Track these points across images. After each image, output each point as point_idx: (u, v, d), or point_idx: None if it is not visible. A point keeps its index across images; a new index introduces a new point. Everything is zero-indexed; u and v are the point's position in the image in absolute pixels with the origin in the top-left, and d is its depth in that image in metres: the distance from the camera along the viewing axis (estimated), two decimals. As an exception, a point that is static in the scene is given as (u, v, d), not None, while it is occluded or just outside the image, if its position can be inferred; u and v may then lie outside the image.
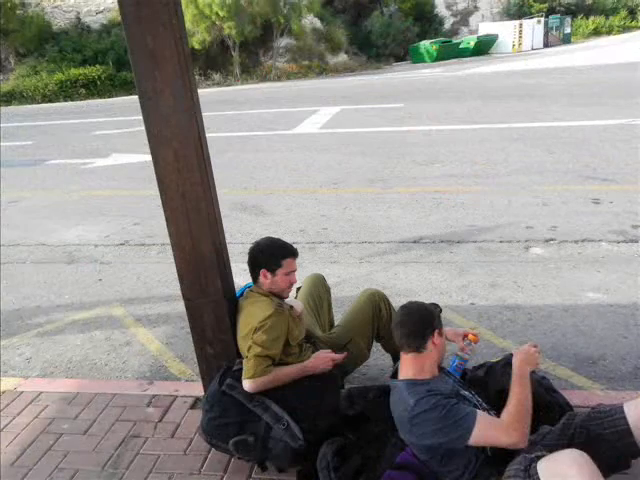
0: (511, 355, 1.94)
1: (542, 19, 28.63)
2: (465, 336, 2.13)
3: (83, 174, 7.86)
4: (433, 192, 5.68)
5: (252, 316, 2.13)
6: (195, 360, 2.43)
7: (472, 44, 27.07)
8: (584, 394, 2.42)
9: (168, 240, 2.18)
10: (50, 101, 19.71)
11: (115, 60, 21.14)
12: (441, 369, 1.92)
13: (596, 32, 32.22)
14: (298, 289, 2.64)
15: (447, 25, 32.48)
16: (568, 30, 30.86)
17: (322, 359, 2.18)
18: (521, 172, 6.13)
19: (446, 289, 3.61)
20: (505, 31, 27.97)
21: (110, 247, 4.88)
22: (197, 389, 2.58)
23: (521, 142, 7.55)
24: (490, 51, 28.11)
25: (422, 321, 1.82)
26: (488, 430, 1.67)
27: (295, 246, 2.28)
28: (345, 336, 2.41)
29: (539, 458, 1.52)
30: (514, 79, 15.28)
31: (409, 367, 1.83)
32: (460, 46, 27.31)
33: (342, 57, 25.38)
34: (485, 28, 29.12)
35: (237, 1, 19.88)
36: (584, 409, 1.87)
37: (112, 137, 10.80)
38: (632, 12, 33.18)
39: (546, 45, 28.76)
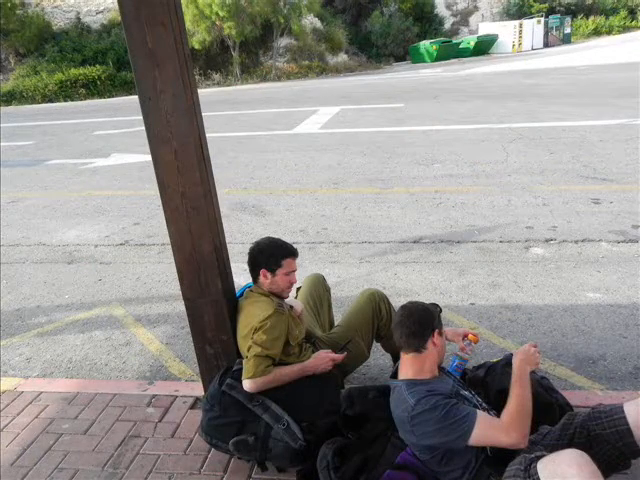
0: (511, 355, 1.94)
1: (542, 19, 28.63)
2: (465, 336, 2.13)
3: (83, 174, 7.86)
4: (433, 192, 5.68)
5: (252, 316, 2.13)
6: (195, 360, 2.43)
7: (472, 44, 27.04)
8: (584, 394, 2.43)
9: (168, 240, 2.18)
10: (50, 101, 19.73)
11: (115, 60, 21.18)
12: (441, 369, 1.92)
13: (596, 32, 32.20)
14: (298, 289, 2.64)
15: (447, 25, 32.47)
16: (568, 30, 30.85)
17: (322, 359, 2.18)
18: (521, 172, 6.13)
19: (446, 289, 3.61)
20: (505, 31, 27.94)
21: (110, 247, 4.88)
22: (197, 389, 2.58)
23: (521, 142, 7.55)
24: (490, 51, 28.09)
25: (422, 321, 1.82)
26: (488, 430, 1.67)
27: (295, 246, 2.29)
28: (345, 336, 2.41)
29: (539, 458, 1.52)
30: (514, 79, 15.28)
31: (409, 367, 1.83)
32: (460, 46, 27.30)
33: (342, 57, 25.37)
34: (485, 28, 29.11)
35: (237, 1, 19.87)
36: (584, 409, 1.87)
37: (112, 137, 10.80)
38: (632, 12, 33.14)
39: (546, 45, 28.77)
